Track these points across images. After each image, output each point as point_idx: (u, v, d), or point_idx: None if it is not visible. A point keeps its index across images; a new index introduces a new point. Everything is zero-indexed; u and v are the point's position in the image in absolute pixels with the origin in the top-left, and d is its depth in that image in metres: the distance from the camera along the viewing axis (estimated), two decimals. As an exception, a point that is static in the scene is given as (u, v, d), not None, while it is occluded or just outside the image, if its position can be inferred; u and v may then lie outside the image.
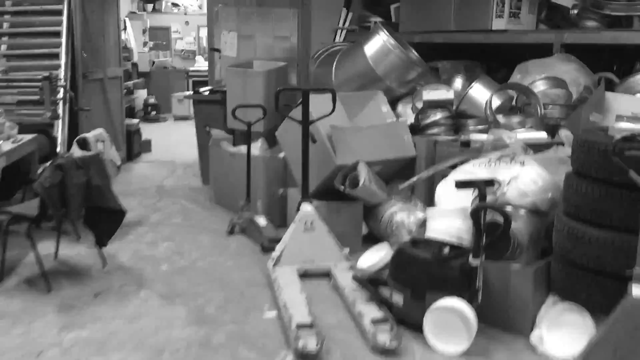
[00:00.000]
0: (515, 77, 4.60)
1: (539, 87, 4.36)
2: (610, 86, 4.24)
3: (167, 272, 4.02)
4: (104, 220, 3.84)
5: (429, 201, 4.31)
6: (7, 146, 4.24)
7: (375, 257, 3.86)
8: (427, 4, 5.64)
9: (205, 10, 7.96)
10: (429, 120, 4.67)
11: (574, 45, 4.40)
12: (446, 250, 3.20)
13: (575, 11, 4.64)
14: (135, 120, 8.07)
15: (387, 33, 5.08)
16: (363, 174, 4.15)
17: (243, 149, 5.11)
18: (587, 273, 2.87)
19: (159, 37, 12.79)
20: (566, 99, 4.18)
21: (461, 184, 3.10)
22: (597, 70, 4.45)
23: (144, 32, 12.31)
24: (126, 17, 11.73)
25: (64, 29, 6.19)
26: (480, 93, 4.73)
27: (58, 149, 5.60)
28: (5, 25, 6.34)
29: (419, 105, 4.84)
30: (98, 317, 3.33)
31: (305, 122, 3.93)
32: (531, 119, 4.21)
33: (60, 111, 5.77)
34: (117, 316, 3.34)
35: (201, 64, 12.07)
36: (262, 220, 4.69)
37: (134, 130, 7.78)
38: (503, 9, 4.93)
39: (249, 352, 2.96)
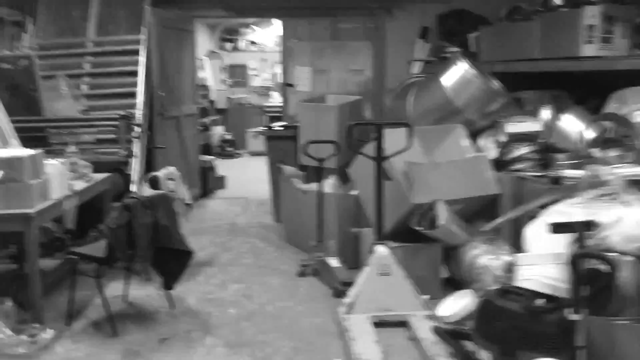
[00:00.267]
0: (611, 107, 4.18)
1: (639, 117, 3.93)
2: None
3: (235, 317, 3.84)
4: (172, 262, 3.72)
5: (516, 243, 3.95)
6: (80, 185, 4.24)
7: (458, 305, 3.53)
8: (509, 31, 5.32)
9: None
10: (513, 155, 4.31)
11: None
12: (540, 301, 2.84)
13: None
14: (210, 157, 8.09)
15: (467, 62, 4.80)
16: (442, 213, 3.85)
17: (315, 186, 4.92)
18: None
19: (237, 74, 13.01)
20: (671, 130, 3.75)
21: (557, 227, 2.75)
22: None
23: (222, 70, 12.54)
24: (205, 56, 12.00)
25: (141, 69, 6.30)
26: (571, 124, 4.35)
27: (132, 187, 5.62)
28: (87, 66, 6.52)
29: (502, 138, 4.50)
30: (161, 365, 3.18)
31: (379, 158, 3.69)
32: (631, 153, 3.78)
33: (135, 149, 5.81)
34: (181, 365, 3.19)
35: (277, 99, 12.13)
36: (334, 262, 4.46)
37: (209, 167, 7.79)
38: (593, 34, 4.54)
39: (318, 412, 2.70)
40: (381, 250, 3.65)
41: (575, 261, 2.62)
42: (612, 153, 3.84)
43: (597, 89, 4.74)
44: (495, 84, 4.97)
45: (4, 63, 5.47)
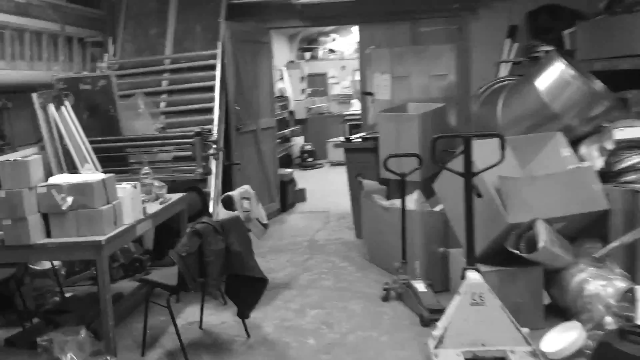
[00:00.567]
0: None
1: None
2: None
3: (314, 349, 3.56)
4: (245, 290, 3.51)
5: (630, 267, 3.46)
6: (154, 208, 4.11)
7: (565, 340, 3.10)
8: (609, 26, 4.79)
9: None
10: (623, 165, 3.82)
11: None
12: (669, 345, 2.39)
13: None
14: (289, 170, 7.91)
15: (564, 62, 4.32)
16: (542, 233, 3.41)
17: (397, 202, 4.59)
18: None
19: (316, 83, 12.88)
20: None
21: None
22: None
23: (301, 79, 12.44)
24: (284, 66, 11.92)
25: (217, 84, 6.20)
26: (691, 127, 3.80)
27: (210, 206, 5.50)
28: (164, 83, 6.50)
29: (609, 146, 3.99)
30: (235, 405, 2.96)
31: (468, 174, 3.31)
32: None
33: (212, 166, 5.70)
34: (255, 405, 2.95)
35: (357, 107, 11.86)
36: (420, 285, 4.10)
37: (288, 180, 7.60)
38: None
39: None
40: (473, 276, 3.26)
41: None
42: None
43: None
44: (597, 84, 4.45)
45: (83, 84, 5.50)
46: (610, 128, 4.06)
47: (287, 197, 7.55)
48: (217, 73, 6.22)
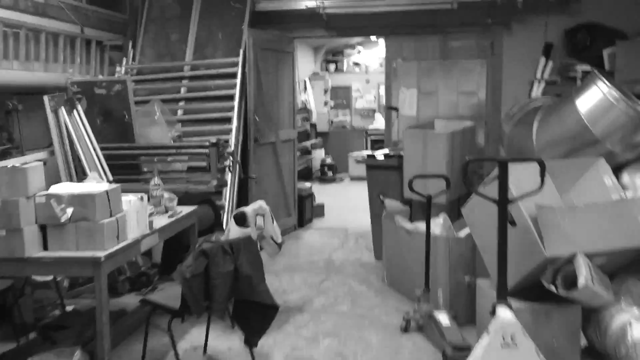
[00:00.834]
0: None
1: None
2: None
3: (326, 384, 3.28)
4: (254, 316, 3.24)
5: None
6: (162, 221, 3.87)
7: (605, 392, 2.77)
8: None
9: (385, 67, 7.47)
10: (673, 197, 3.49)
11: None
12: None
13: None
14: (308, 185, 7.64)
15: (608, 83, 4.01)
16: (583, 269, 3.09)
17: (421, 226, 4.29)
18: None
19: (340, 96, 12.66)
20: None
21: None
22: None
23: (325, 92, 12.23)
24: (308, 78, 11.71)
25: (237, 92, 5.98)
26: None
27: (223, 220, 5.26)
28: (182, 90, 6.30)
29: (657, 175, 3.68)
30: None
31: (503, 201, 3.01)
32: None
33: (227, 179, 5.46)
34: None
35: (380, 122, 11.61)
36: (444, 318, 3.79)
37: (306, 195, 7.33)
38: None
39: None
40: (505, 314, 2.95)
41: None
42: None
43: None
44: (643, 107, 4.14)
45: (98, 88, 5.31)
46: (657, 156, 3.74)
47: (305, 213, 7.27)
48: (238, 81, 6.01)
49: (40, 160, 4.09)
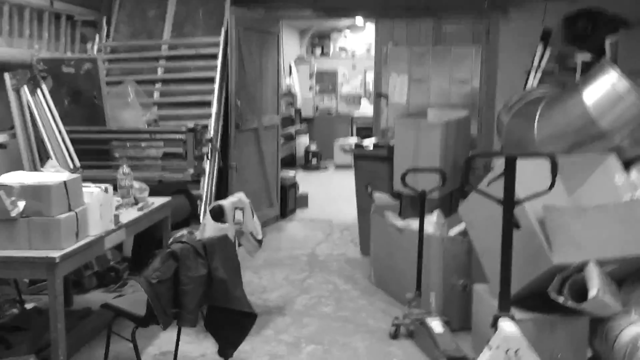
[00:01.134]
0: None
1: None
2: None
3: (308, 399, 2.97)
4: (229, 325, 2.91)
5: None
6: (131, 215, 3.51)
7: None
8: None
9: (372, 54, 7.10)
10: (688, 198, 3.21)
11: None
12: None
13: None
14: (292, 173, 7.30)
15: (618, 72, 3.72)
16: (595, 280, 2.80)
17: (413, 223, 3.99)
18: None
19: (325, 81, 12.31)
20: None
21: None
22: None
23: (310, 76, 11.86)
24: (293, 61, 11.32)
25: (217, 74, 5.61)
26: None
27: (200, 211, 4.91)
28: (159, 70, 5.91)
29: (670, 174, 3.39)
30: None
31: (509, 202, 2.70)
32: None
33: (205, 167, 5.10)
34: None
35: (366, 108, 11.28)
36: (437, 325, 3.48)
37: (290, 185, 6.99)
38: None
39: None
40: (508, 327, 2.65)
41: None
42: None
43: None
44: (654, 100, 3.84)
45: (66, 66, 4.91)
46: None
47: (288, 203, 6.94)
48: (219, 63, 5.63)
49: (-2, 144, 3.71)
